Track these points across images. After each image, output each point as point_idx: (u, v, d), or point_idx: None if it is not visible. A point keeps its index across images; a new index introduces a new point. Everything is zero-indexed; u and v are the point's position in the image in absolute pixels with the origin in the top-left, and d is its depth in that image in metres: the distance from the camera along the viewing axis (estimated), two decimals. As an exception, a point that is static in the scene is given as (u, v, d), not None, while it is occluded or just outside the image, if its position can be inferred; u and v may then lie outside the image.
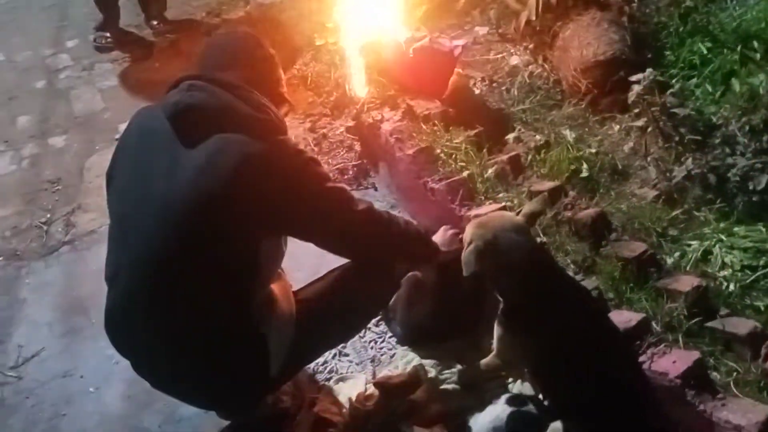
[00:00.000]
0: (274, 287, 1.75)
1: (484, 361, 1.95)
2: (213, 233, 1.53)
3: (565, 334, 1.67)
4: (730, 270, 2.29)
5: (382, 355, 2.20)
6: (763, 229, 2.44)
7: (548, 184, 2.39)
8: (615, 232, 2.23)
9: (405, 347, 2.21)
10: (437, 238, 2.11)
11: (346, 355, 2.19)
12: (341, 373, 2.14)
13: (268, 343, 1.67)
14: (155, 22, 4.05)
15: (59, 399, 2.16)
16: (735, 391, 1.71)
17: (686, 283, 1.98)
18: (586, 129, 3.08)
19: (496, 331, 1.79)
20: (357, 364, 2.17)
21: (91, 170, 3.10)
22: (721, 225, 2.50)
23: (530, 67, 3.48)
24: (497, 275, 1.72)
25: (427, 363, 2.13)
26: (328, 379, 2.13)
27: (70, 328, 2.39)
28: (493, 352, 1.87)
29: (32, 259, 2.68)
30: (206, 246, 1.54)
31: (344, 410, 2.03)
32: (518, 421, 1.77)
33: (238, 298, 1.62)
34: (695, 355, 1.75)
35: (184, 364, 1.64)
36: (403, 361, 2.15)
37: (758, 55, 2.98)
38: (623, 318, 1.85)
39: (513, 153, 2.54)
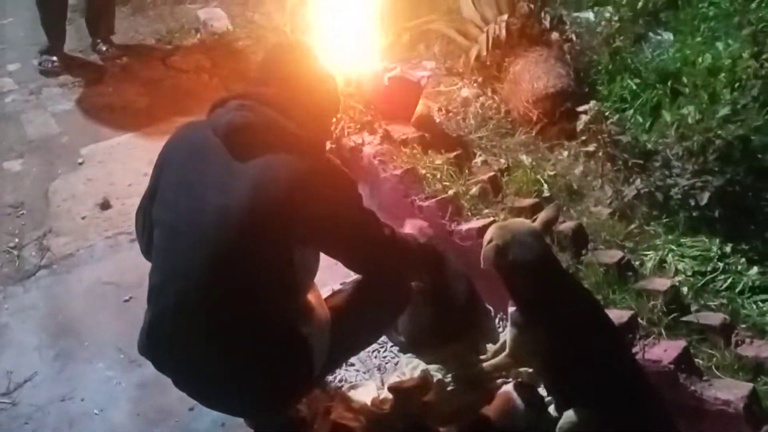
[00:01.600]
0: (310, 296, 1.84)
1: (493, 362, 2.11)
2: (264, 241, 1.60)
3: (574, 327, 1.87)
4: (683, 275, 2.61)
5: (386, 363, 2.30)
6: (706, 240, 2.79)
7: (527, 201, 2.62)
8: (592, 242, 2.47)
9: (408, 354, 2.32)
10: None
11: (353, 365, 2.28)
12: (351, 382, 2.23)
13: (312, 346, 1.75)
14: (104, 47, 4.00)
15: (61, 423, 2.10)
16: (717, 373, 1.97)
17: (661, 284, 2.25)
18: (539, 154, 3.37)
19: (510, 331, 1.96)
20: (364, 373, 2.26)
21: (57, 194, 3.02)
22: (670, 237, 2.83)
23: (481, 98, 3.76)
24: (511, 273, 1.89)
25: (432, 367, 2.26)
26: (340, 388, 2.20)
27: (62, 351, 2.32)
28: (505, 352, 2.03)
29: (7, 284, 2.58)
30: (256, 254, 1.61)
31: (359, 416, 2.11)
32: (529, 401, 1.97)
33: (283, 303, 1.70)
34: (682, 343, 2.00)
35: (234, 368, 1.68)
36: (408, 367, 2.27)
37: (687, 90, 3.39)
38: (615, 315, 2.08)
39: (492, 173, 2.75)
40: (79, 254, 2.69)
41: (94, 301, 2.50)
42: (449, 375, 2.23)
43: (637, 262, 2.59)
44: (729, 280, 2.59)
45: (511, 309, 1.97)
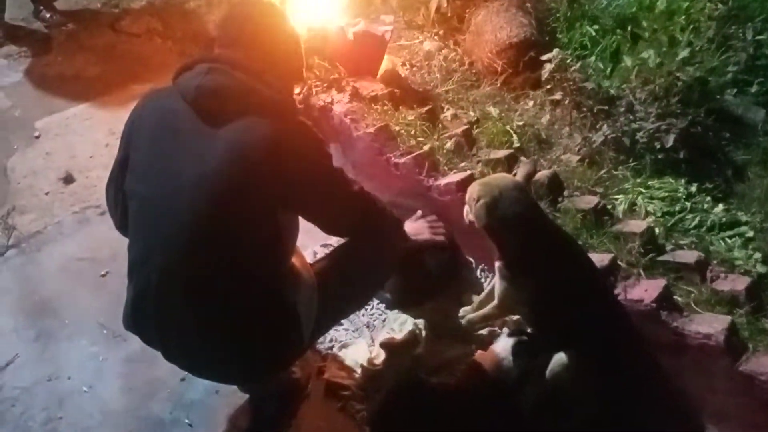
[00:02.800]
0: (294, 260, 1.83)
1: (480, 313, 2.15)
2: (244, 207, 1.58)
3: (562, 274, 1.92)
4: (653, 217, 2.69)
5: (374, 320, 2.32)
6: (672, 181, 2.87)
7: (502, 153, 2.64)
8: (567, 190, 2.52)
9: (395, 310, 2.35)
10: (411, 222, 2.33)
11: (341, 324, 2.28)
12: (342, 341, 2.24)
13: (300, 311, 1.75)
14: (47, 14, 3.80)
15: (50, 403, 2.07)
16: (696, 308, 2.06)
17: (637, 226, 2.31)
18: (505, 105, 3.38)
19: (499, 284, 1.99)
20: (354, 332, 2.28)
21: (16, 170, 2.90)
22: (638, 180, 2.90)
23: (443, 51, 3.73)
24: (501, 228, 1.92)
25: (419, 322, 2.29)
26: (331, 348, 2.21)
27: (42, 332, 2.27)
28: (494, 303, 2.07)
29: (-26, 267, 2.49)
30: (238, 221, 1.59)
31: (353, 373, 2.14)
32: (521, 348, 2.02)
33: (269, 269, 1.68)
34: (662, 282, 2.07)
35: (223, 338, 1.67)
36: (396, 323, 2.29)
37: (647, 34, 3.43)
38: (596, 259, 2.13)
39: (465, 127, 2.75)
40: (48, 231, 2.61)
41: (70, 278, 2.44)
42: (437, 328, 2.27)
43: (609, 206, 2.65)
44: (697, 219, 2.67)
45: (498, 263, 2.00)
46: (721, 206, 2.76)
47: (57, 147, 3.02)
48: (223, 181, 1.56)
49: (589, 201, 2.40)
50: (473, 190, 1.92)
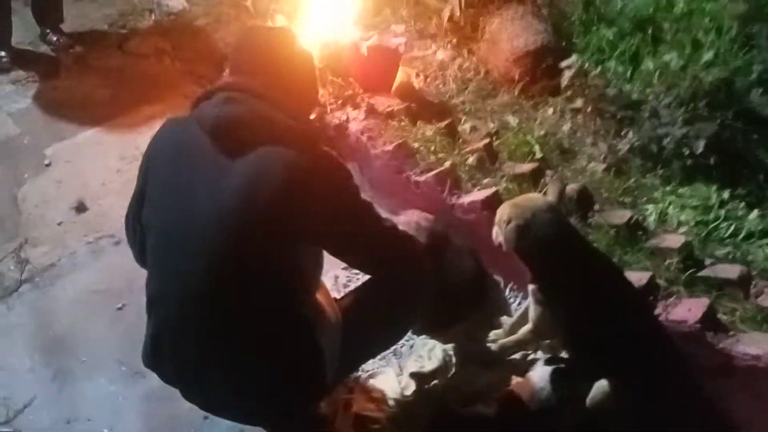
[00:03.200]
0: (319, 296, 1.75)
1: (514, 338, 2.06)
2: (264, 242, 1.51)
3: (600, 297, 1.82)
4: (686, 227, 2.59)
5: (401, 347, 2.23)
6: (704, 188, 2.77)
7: (526, 166, 2.55)
8: (596, 204, 2.42)
9: (422, 336, 2.26)
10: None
11: (368, 353, 2.20)
12: (368, 371, 2.15)
13: (323, 351, 1.66)
14: (54, 37, 3.74)
15: (70, 447, 1.99)
16: (741, 327, 1.95)
17: (673, 240, 2.21)
18: (524, 114, 3.29)
19: (534, 308, 1.90)
20: (381, 360, 2.18)
21: (27, 200, 2.83)
22: (667, 188, 2.80)
23: (457, 60, 3.64)
24: (534, 251, 1.83)
25: (448, 347, 2.20)
26: (358, 378, 2.12)
27: (59, 370, 2.19)
28: (528, 327, 1.98)
29: (-12, 303, 2.42)
30: (257, 256, 1.52)
31: (382, 405, 2.05)
32: (559, 376, 1.92)
33: (290, 305, 1.60)
34: (705, 301, 1.97)
35: (243, 377, 1.59)
36: (425, 349, 2.20)
37: (668, 36, 3.33)
38: (634, 278, 2.03)
39: (486, 141, 2.66)
40: (61, 263, 2.54)
41: (85, 312, 2.36)
42: (467, 354, 2.18)
43: (639, 217, 2.55)
44: (731, 227, 2.57)
45: (531, 286, 1.91)
46: (755, 212, 2.66)
47: (68, 175, 2.95)
48: (242, 214, 1.49)
49: (622, 215, 2.30)
50: (504, 211, 1.83)
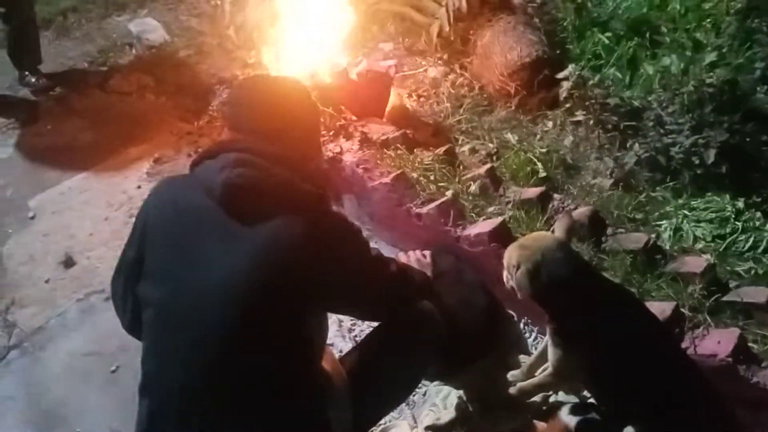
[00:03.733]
0: (324, 363, 1.63)
1: (534, 381, 1.93)
2: (277, 316, 1.41)
3: (622, 335, 1.70)
4: (703, 242, 2.47)
5: (413, 396, 2.10)
6: (717, 198, 2.65)
7: (532, 191, 2.42)
8: (610, 227, 2.30)
9: (434, 382, 2.13)
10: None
11: (378, 404, 2.07)
12: (381, 425, 2.02)
13: (330, 422, 1.55)
14: (33, 80, 3.62)
15: None
16: (775, 356, 1.83)
17: (695, 264, 2.09)
18: (523, 130, 3.18)
19: (554, 352, 1.78)
20: (393, 412, 2.05)
21: (13, 257, 2.71)
22: (679, 201, 2.68)
23: (450, 77, 3.54)
24: (549, 294, 1.71)
25: (463, 393, 2.08)
26: (370, 434, 2.00)
27: (53, 444, 2.07)
28: (549, 371, 1.85)
29: (-25, 374, 2.29)
30: (271, 330, 1.41)
31: (398, 462, 1.93)
32: (587, 429, 1.78)
33: (301, 378, 1.49)
34: (735, 331, 1.84)
35: None
36: (439, 396, 2.08)
37: (667, 39, 3.21)
38: (657, 310, 1.90)
39: (488, 166, 2.54)
40: (51, 325, 2.41)
41: (78, 377, 2.24)
42: (485, 398, 2.05)
43: (653, 235, 2.43)
44: (750, 240, 2.45)
45: (549, 327, 1.79)
46: (773, 221, 2.54)
47: (54, 227, 2.83)
48: (256, 288, 1.38)
49: (638, 239, 2.18)
50: (511, 255, 1.71)
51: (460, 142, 3.04)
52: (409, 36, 3.83)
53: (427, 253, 2.21)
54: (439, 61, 3.64)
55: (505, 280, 1.77)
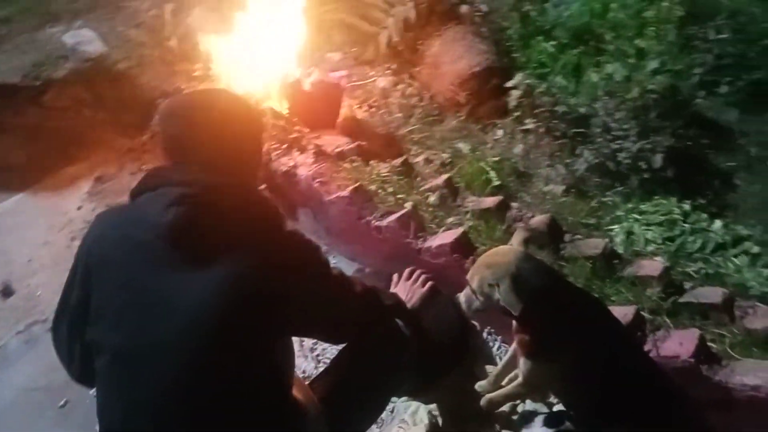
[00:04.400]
0: (295, 392, 1.57)
1: (502, 392, 1.91)
2: (244, 350, 1.35)
3: (594, 342, 1.70)
4: (654, 245, 2.53)
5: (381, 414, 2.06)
6: (665, 201, 2.72)
7: (491, 200, 2.43)
8: (567, 234, 2.32)
9: (402, 399, 2.10)
10: (401, 286, 2.06)
11: (346, 424, 2.02)
12: (351, 445, 1.97)
13: None
14: (-40, 96, 3.41)
15: None
16: (733, 354, 1.88)
17: (651, 267, 2.13)
18: (475, 139, 3.19)
19: (526, 364, 1.76)
20: None
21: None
22: (629, 205, 2.75)
23: (399, 87, 3.52)
24: (533, 304, 1.69)
25: (431, 408, 2.05)
26: (339, 455, 1.94)
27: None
28: (518, 382, 1.84)
29: None
30: (241, 361, 1.34)
31: (370, 483, 1.88)
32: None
33: (275, 408, 1.43)
34: (695, 332, 1.88)
35: None
36: (408, 412, 2.05)
37: (611, 47, 3.29)
38: (619, 314, 1.92)
39: (446, 176, 2.53)
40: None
41: (26, 415, 2.11)
42: (454, 411, 2.03)
43: (606, 239, 2.47)
44: (699, 241, 2.53)
45: (518, 338, 1.78)
46: (718, 222, 2.63)
47: (-12, 253, 2.66)
48: (221, 326, 1.31)
49: (596, 245, 2.21)
50: (483, 276, 1.66)
51: (413, 152, 3.02)
52: (356, 46, 3.79)
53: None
54: (388, 71, 3.62)
55: (465, 304, 1.74)
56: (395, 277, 2.11)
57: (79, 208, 2.85)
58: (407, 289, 2.04)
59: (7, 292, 2.48)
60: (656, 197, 2.77)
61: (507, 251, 1.76)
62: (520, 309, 1.59)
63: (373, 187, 2.46)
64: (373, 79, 3.52)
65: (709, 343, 1.93)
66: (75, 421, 2.05)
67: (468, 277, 1.70)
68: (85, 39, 3.83)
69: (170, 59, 3.50)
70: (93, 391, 2.08)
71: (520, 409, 2.04)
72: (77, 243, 2.62)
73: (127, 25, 4.06)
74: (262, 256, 1.34)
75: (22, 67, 3.70)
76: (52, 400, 2.13)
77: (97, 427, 1.38)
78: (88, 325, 1.38)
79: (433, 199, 2.41)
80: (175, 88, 3.30)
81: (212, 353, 1.30)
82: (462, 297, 1.77)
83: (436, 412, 2.03)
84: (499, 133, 3.22)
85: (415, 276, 2.04)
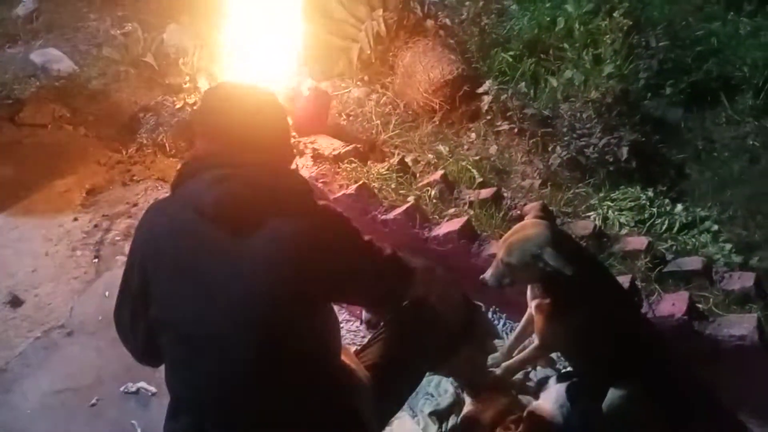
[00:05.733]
0: (344, 358, 1.70)
1: (519, 357, 2.11)
2: (297, 314, 1.47)
3: (608, 304, 1.92)
4: (627, 228, 2.80)
5: (407, 389, 2.20)
6: (631, 190, 3.01)
7: (487, 191, 2.64)
8: (558, 218, 2.56)
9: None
10: None
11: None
12: (384, 418, 2.10)
13: (362, 413, 1.62)
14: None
15: None
16: (717, 311, 2.14)
17: (637, 242, 2.39)
18: (451, 141, 3.41)
19: (545, 323, 1.95)
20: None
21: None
22: (600, 195, 3.02)
23: (373, 96, 3.70)
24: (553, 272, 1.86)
25: (452, 381, 2.21)
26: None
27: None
28: (535, 345, 2.03)
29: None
30: (294, 328, 1.47)
31: (406, 452, 2.02)
32: (576, 391, 1.99)
33: (329, 374, 1.56)
34: (685, 294, 2.14)
35: None
36: (431, 385, 2.20)
37: (569, 55, 3.59)
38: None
39: (442, 171, 2.73)
40: (11, 367, 2.25)
41: (55, 416, 2.11)
42: (472, 383, 2.20)
43: (593, 221, 2.73)
44: (666, 222, 2.82)
45: (535, 302, 1.96)
46: (680, 206, 2.94)
47: (-11, 268, 2.65)
48: (271, 291, 1.43)
49: (586, 226, 2.45)
50: (523, 248, 1.81)
51: (395, 155, 3.20)
52: (327, 60, 3.94)
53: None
54: (359, 83, 3.80)
55: (496, 280, 1.90)
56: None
57: (75, 220, 2.87)
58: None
59: (16, 302, 2.48)
60: (622, 186, 3.06)
61: (534, 224, 1.94)
62: (570, 270, 1.76)
63: (375, 185, 2.61)
64: (348, 89, 3.70)
65: (697, 305, 2.19)
66: (108, 418, 2.08)
67: (502, 255, 1.86)
68: (53, 58, 3.85)
69: (149, 75, 3.56)
70: (123, 388, 2.17)
71: (532, 375, 2.24)
72: (79, 253, 2.73)
73: (89, 44, 4.10)
74: (299, 227, 1.46)
75: (-10, 87, 3.67)
76: (82, 400, 2.15)
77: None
78: (149, 308, 1.48)
79: (433, 192, 2.59)
80: (156, 103, 3.38)
81: (270, 318, 1.42)
82: (489, 276, 1.94)
83: (456, 384, 2.19)
84: (473, 135, 3.45)
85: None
